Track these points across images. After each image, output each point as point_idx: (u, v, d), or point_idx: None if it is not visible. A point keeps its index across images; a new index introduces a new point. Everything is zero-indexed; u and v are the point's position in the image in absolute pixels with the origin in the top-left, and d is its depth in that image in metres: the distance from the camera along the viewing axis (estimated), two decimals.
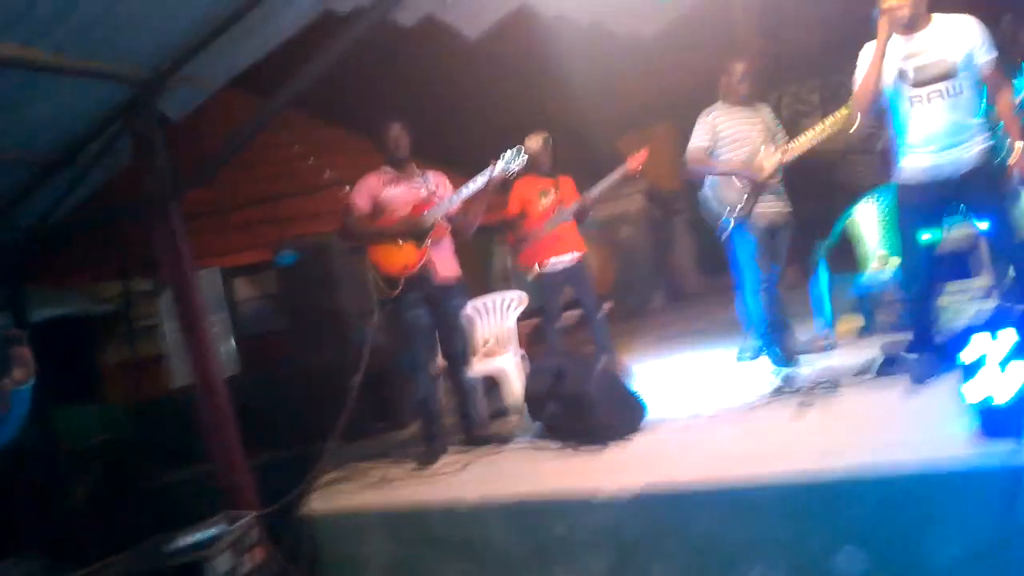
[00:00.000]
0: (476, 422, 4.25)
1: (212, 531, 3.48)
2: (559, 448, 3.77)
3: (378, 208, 4.06)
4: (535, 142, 4.84)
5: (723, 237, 4.32)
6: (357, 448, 4.60)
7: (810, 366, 4.13)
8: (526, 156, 4.06)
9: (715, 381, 4.41)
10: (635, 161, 4.83)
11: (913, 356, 3.56)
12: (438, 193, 4.12)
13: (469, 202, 4.09)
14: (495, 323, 4.72)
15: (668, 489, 3.01)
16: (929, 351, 3.48)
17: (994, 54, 3.27)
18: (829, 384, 3.70)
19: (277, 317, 6.13)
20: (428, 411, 4.13)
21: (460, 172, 4.33)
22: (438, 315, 4.08)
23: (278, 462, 4.45)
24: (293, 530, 3.83)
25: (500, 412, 4.66)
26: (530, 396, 4.04)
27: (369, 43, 5.33)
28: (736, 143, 4.29)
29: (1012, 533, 2.41)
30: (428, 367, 4.13)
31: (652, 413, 3.88)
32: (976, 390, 2.61)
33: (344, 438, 4.11)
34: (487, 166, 3.98)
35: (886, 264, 4.44)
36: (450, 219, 4.13)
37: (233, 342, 6.31)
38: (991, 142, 3.34)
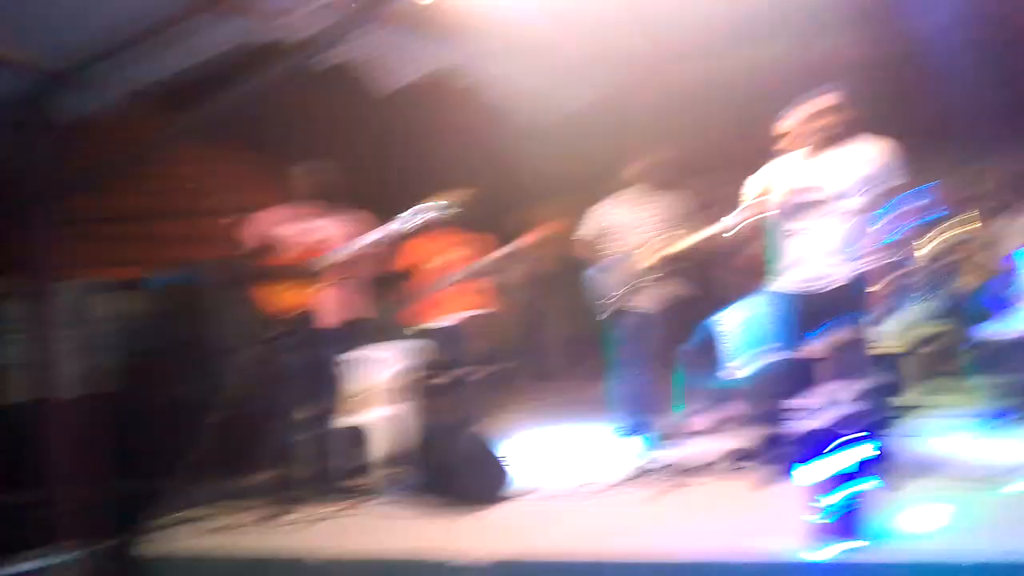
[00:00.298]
0: (339, 474, 4.16)
1: (38, 563, 3.22)
2: (422, 508, 3.75)
3: (276, 243, 4.00)
4: (448, 197, 4.87)
5: (606, 318, 4.49)
6: (209, 488, 4.36)
7: (676, 450, 4.31)
8: (438, 209, 4.11)
9: (586, 455, 4.53)
10: (542, 231, 4.96)
11: (769, 452, 3.81)
12: (342, 235, 4.10)
13: (375, 248, 4.09)
14: (375, 373, 4.67)
15: (524, 561, 3.03)
16: (783, 449, 3.72)
17: (899, 180, 3.53)
18: (690, 470, 3.91)
19: (143, 339, 5.81)
20: (290, 457, 4.01)
21: (370, 217, 4.31)
22: (318, 360, 4.01)
23: (122, 493, 4.16)
24: (126, 569, 3.58)
25: (368, 467, 4.58)
26: (401, 453, 4.01)
27: (285, 78, 5.32)
28: (630, 229, 4.51)
29: None
30: (298, 411, 4.02)
31: (520, 483, 3.94)
32: (824, 491, 2.81)
33: (197, 476, 3.92)
34: (397, 214, 4.01)
35: (749, 364, 4.72)
36: (354, 262, 4.10)
37: (90, 360, 5.89)
38: (865, 262, 3.63)
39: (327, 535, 3.55)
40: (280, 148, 4.46)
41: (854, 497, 2.76)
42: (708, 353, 4.91)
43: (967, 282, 5.42)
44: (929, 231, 5.49)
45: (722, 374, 4.89)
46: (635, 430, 4.49)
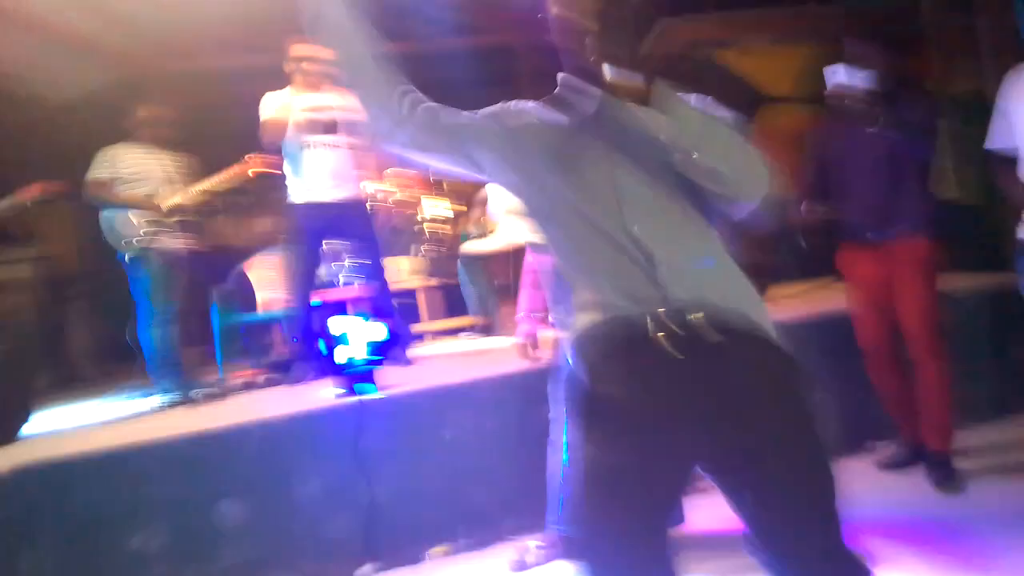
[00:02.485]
0: None
1: None
2: None
3: None
4: None
5: (130, 259, 4.39)
6: None
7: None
8: None
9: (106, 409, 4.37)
10: (27, 192, 4.56)
11: (291, 364, 4.18)
12: None
13: None
14: None
15: (40, 465, 2.88)
16: (306, 359, 4.12)
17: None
18: (221, 394, 4.06)
19: None
20: None
21: None
22: None
23: None
24: None
25: None
26: None
27: None
28: (136, 180, 4.45)
29: (359, 459, 3.04)
30: None
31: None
32: (340, 357, 3.28)
33: None
34: None
35: (278, 304, 5.05)
36: None
37: None
38: (362, 190, 4.29)
39: None
40: None
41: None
42: (241, 291, 5.11)
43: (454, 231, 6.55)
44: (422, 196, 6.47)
45: (252, 315, 5.15)
46: (160, 380, 4.42)
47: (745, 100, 7.78)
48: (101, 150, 4.49)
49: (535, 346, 2.77)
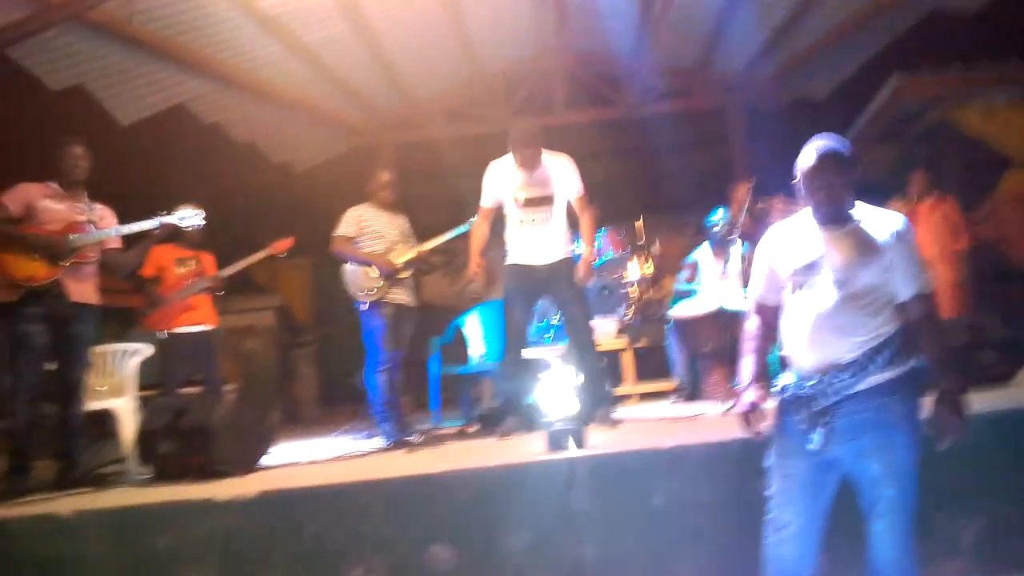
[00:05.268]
0: (78, 462, 3.92)
1: None
2: (173, 484, 3.68)
3: (30, 216, 3.89)
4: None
5: (365, 308, 4.78)
6: None
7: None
8: (201, 218, 4.26)
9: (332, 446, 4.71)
10: (278, 247, 5.14)
11: (502, 417, 4.30)
12: (99, 224, 4.06)
13: (131, 242, 4.11)
14: (112, 369, 4.53)
15: (280, 493, 3.13)
16: (514, 413, 4.23)
17: (582, 189, 4.38)
18: (436, 440, 4.25)
19: None
20: (19, 440, 3.73)
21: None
22: (60, 338, 3.84)
23: None
24: None
25: (110, 459, 4.36)
26: (143, 436, 3.89)
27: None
28: (376, 238, 4.88)
29: (566, 517, 3.04)
30: (31, 391, 3.78)
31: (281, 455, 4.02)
32: (548, 412, 3.35)
33: None
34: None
35: (484, 359, 5.27)
36: (105, 252, 4.06)
37: None
38: (572, 252, 4.42)
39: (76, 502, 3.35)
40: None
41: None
42: (458, 344, 5.38)
43: (660, 296, 6.47)
44: (630, 259, 6.47)
45: (468, 366, 5.38)
46: (381, 423, 4.71)
47: (987, 165, 7.09)
48: (347, 211, 4.93)
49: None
